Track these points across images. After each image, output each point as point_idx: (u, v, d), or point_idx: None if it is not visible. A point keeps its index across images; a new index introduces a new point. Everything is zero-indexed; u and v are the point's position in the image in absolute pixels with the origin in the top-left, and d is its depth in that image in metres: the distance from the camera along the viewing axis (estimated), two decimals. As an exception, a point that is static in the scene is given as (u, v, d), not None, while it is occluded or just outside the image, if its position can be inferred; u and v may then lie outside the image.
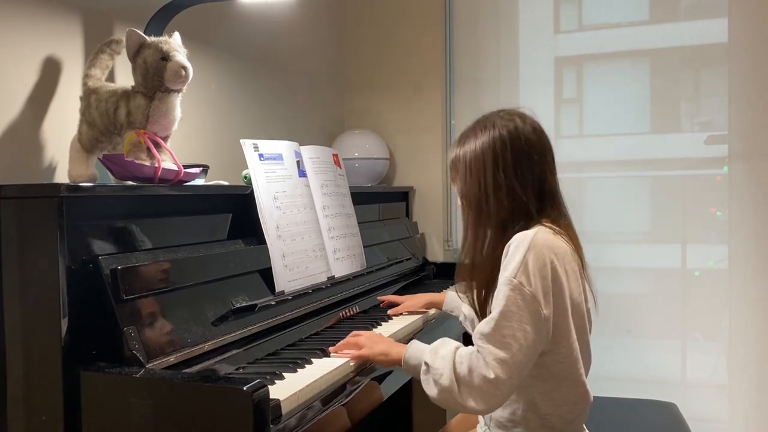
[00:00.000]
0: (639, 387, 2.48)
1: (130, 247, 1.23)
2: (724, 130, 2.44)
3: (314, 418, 1.16)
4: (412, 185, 2.73)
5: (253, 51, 2.21)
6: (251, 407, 0.97)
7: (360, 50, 2.80)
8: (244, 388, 0.98)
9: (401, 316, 1.79)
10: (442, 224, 2.72)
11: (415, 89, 2.72)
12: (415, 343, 1.31)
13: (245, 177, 1.66)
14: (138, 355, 1.10)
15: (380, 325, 1.70)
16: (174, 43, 1.38)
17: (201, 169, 1.53)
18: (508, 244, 1.25)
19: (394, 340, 1.47)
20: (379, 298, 1.94)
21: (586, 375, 1.32)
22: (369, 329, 1.60)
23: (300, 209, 1.68)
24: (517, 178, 1.29)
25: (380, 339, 1.42)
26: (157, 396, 1.04)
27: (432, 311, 1.86)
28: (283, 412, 1.08)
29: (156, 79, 1.34)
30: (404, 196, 2.68)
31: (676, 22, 2.57)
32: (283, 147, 1.70)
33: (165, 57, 1.34)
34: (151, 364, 1.12)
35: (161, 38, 1.37)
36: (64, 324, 1.07)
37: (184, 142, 1.75)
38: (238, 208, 1.54)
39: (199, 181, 1.56)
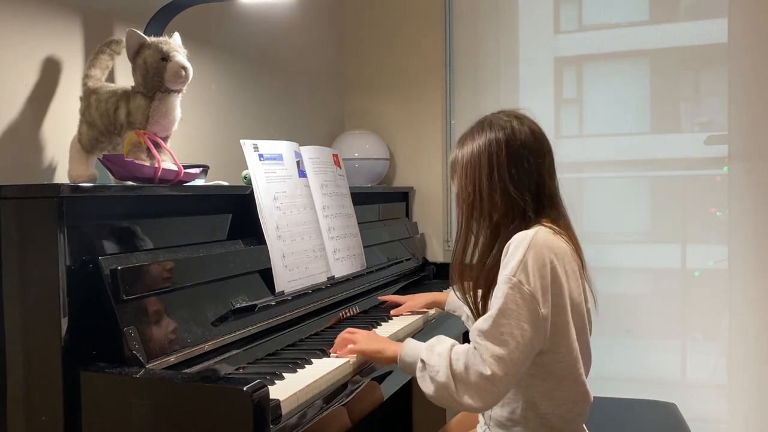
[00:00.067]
0: (639, 387, 2.47)
1: (130, 248, 1.23)
2: (724, 131, 2.44)
3: (314, 418, 1.16)
4: (412, 185, 2.73)
5: (253, 51, 2.21)
6: (251, 407, 0.98)
7: (360, 50, 2.80)
8: (244, 389, 0.98)
9: (401, 316, 1.79)
10: (442, 224, 2.72)
11: (415, 89, 2.72)
12: (411, 341, 1.32)
13: (245, 177, 1.66)
14: (138, 355, 1.10)
15: (380, 325, 1.70)
16: (174, 44, 1.38)
17: (201, 169, 1.53)
18: (508, 243, 1.25)
19: (394, 340, 1.47)
20: (380, 298, 1.94)
21: (587, 375, 1.32)
22: (369, 329, 1.60)
23: (300, 209, 1.68)
24: (512, 180, 1.29)
25: (376, 337, 1.42)
26: (157, 396, 1.04)
27: (432, 311, 1.86)
28: (283, 412, 1.08)
29: (156, 79, 1.34)
30: (404, 196, 2.68)
31: (676, 22, 2.57)
32: (283, 147, 1.70)
33: (165, 57, 1.34)
34: (151, 365, 1.12)
35: (161, 38, 1.37)
36: (64, 324, 1.07)
37: (184, 143, 1.75)
38: (238, 208, 1.54)
39: (199, 182, 1.56)
